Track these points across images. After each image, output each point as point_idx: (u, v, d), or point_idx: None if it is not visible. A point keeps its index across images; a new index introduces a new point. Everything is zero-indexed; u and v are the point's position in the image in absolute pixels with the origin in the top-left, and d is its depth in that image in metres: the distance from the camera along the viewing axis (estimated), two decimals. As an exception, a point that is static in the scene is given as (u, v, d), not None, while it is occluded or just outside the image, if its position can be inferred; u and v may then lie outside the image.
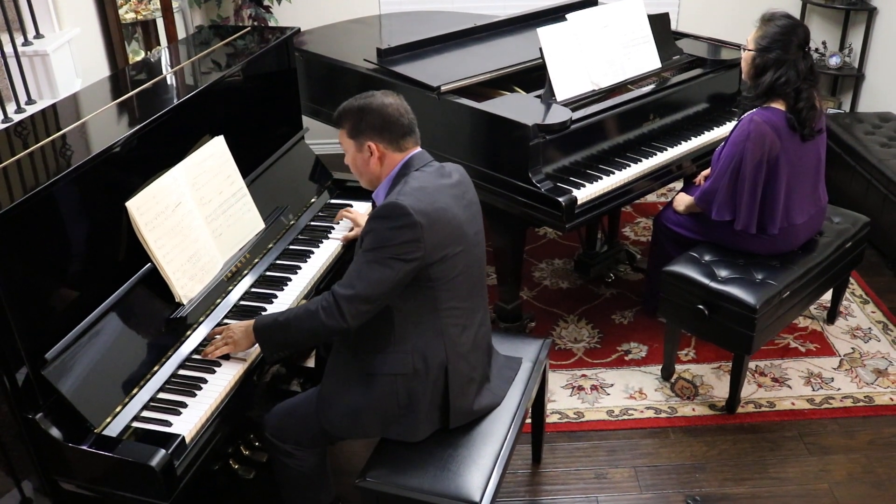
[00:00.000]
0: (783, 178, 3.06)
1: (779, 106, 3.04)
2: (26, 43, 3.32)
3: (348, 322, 2.21)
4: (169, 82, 2.88)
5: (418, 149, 2.35)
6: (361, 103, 2.31)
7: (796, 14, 5.26)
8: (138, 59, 4.25)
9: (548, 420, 3.14)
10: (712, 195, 3.18)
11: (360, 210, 3.16)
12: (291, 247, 2.94)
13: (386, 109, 2.29)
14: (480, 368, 2.46)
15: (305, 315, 2.27)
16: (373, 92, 2.34)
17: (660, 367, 3.49)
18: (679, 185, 4.01)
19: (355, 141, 2.32)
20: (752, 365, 3.51)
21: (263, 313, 2.53)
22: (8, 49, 3.16)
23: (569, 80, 3.37)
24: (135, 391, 2.21)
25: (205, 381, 2.30)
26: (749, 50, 3.08)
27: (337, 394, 2.37)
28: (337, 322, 2.21)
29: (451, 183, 2.30)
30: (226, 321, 2.54)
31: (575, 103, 3.35)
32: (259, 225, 2.84)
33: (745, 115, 3.08)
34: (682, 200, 3.41)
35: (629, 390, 3.41)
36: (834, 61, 5.26)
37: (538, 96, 3.37)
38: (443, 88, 3.33)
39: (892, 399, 3.34)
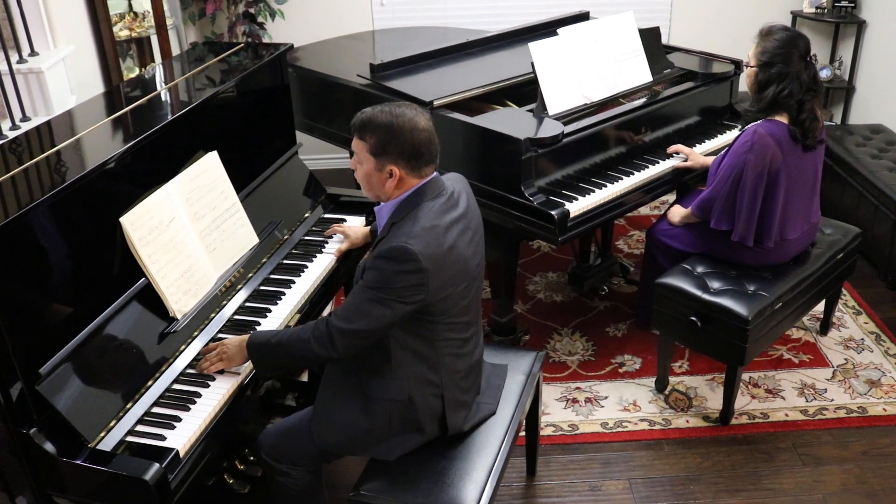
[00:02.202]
0: (781, 192, 3.07)
1: (781, 119, 3.05)
2: (21, 60, 3.35)
3: (339, 353, 2.21)
4: (163, 98, 2.90)
5: (435, 173, 2.27)
6: (391, 121, 2.17)
7: (786, 27, 5.31)
8: (133, 75, 4.27)
9: (542, 433, 3.15)
10: (711, 204, 3.19)
11: (353, 224, 3.17)
12: (285, 261, 2.95)
13: (419, 136, 2.17)
14: (474, 389, 2.47)
15: (297, 342, 2.26)
16: (403, 108, 2.20)
17: (654, 379, 3.50)
18: (671, 197, 4.03)
19: (377, 160, 2.20)
20: (745, 376, 3.52)
21: (259, 329, 2.53)
22: (3, 66, 3.18)
23: (561, 95, 3.39)
24: (129, 405, 2.21)
25: (199, 395, 2.30)
26: (751, 66, 3.10)
27: (331, 411, 2.38)
28: (327, 352, 2.22)
29: (459, 215, 2.24)
30: (220, 335, 2.55)
31: (567, 117, 3.37)
32: (253, 240, 2.85)
33: (749, 126, 3.09)
34: (677, 212, 3.43)
35: (623, 402, 3.41)
36: (825, 74, 5.30)
37: (530, 110, 3.39)
38: (435, 103, 3.35)
39: (885, 410, 3.35)
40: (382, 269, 2.13)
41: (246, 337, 2.38)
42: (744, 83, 3.24)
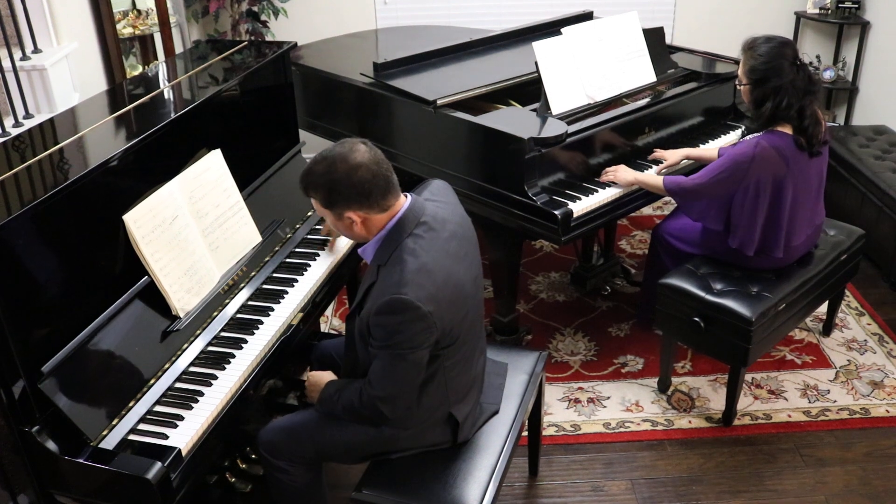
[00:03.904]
0: (787, 204, 3.05)
1: (785, 129, 3.00)
2: (24, 58, 3.34)
3: (391, 417, 2.23)
4: (166, 96, 2.89)
5: (405, 200, 2.20)
6: (325, 171, 2.11)
7: (790, 29, 5.30)
8: (136, 73, 4.27)
9: (544, 433, 3.14)
10: (692, 196, 3.17)
11: None
12: (288, 260, 2.94)
13: (356, 175, 2.09)
14: (478, 392, 2.47)
15: (352, 411, 2.28)
16: (336, 152, 2.13)
17: (656, 379, 3.50)
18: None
19: (332, 211, 2.18)
20: (748, 377, 3.52)
21: (334, 385, 2.39)
22: (6, 64, 3.18)
23: (564, 94, 3.39)
24: (131, 404, 2.21)
25: (201, 394, 2.30)
26: (744, 84, 3.05)
27: (338, 425, 2.37)
28: (381, 420, 2.25)
29: (447, 237, 2.20)
30: (223, 334, 2.54)
31: (570, 117, 3.37)
32: (256, 238, 2.85)
33: (751, 136, 3.04)
34: (646, 179, 3.32)
35: (626, 403, 3.41)
36: (828, 75, 5.29)
37: (534, 110, 3.39)
38: (439, 102, 3.35)
39: (888, 411, 3.35)
40: (386, 325, 2.09)
41: (328, 381, 2.40)
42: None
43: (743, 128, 3.71)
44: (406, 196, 2.23)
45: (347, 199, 2.13)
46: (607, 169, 3.35)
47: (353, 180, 2.10)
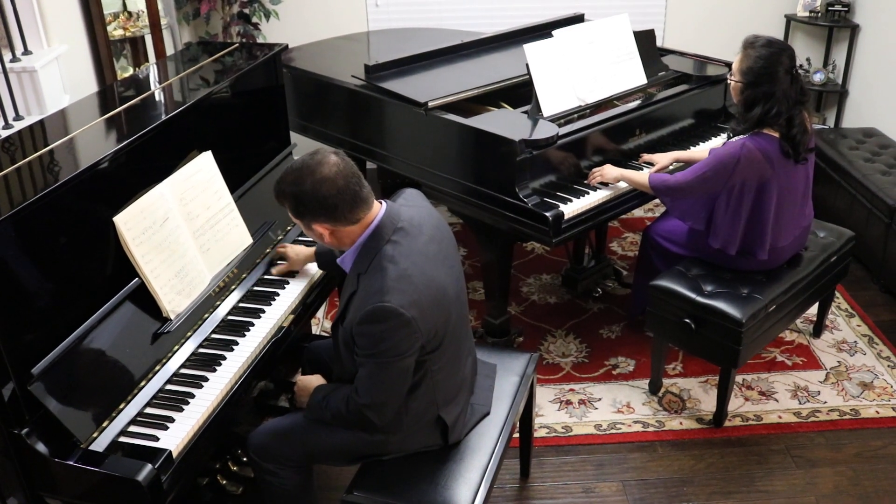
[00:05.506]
0: (772, 206, 3.06)
1: (772, 133, 3.00)
2: (14, 59, 3.33)
3: (379, 423, 2.23)
4: (157, 98, 2.89)
5: (379, 209, 2.19)
6: (294, 184, 2.12)
7: (780, 31, 5.32)
8: (126, 75, 4.26)
9: (536, 434, 3.15)
10: (676, 194, 3.18)
11: (298, 246, 2.98)
12: (279, 262, 2.94)
13: (322, 190, 2.09)
14: (467, 399, 2.47)
15: (340, 418, 2.28)
16: (305, 164, 2.13)
17: (647, 381, 3.50)
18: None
19: (301, 221, 2.20)
20: (738, 378, 3.52)
21: (322, 390, 2.39)
22: (-4, 65, 3.17)
23: (555, 96, 3.40)
24: (122, 406, 2.20)
25: (192, 395, 2.30)
26: (736, 81, 3.04)
27: (327, 429, 2.37)
28: (370, 426, 2.25)
29: (425, 241, 2.20)
30: (214, 336, 2.54)
31: (561, 119, 3.38)
32: (247, 240, 2.85)
33: (737, 138, 3.04)
34: (632, 176, 3.32)
35: (617, 404, 3.41)
36: (818, 77, 5.32)
37: (525, 112, 3.39)
38: (430, 104, 3.35)
39: (877, 412, 3.36)
40: (370, 334, 2.09)
41: (315, 392, 2.38)
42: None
43: (726, 136, 3.72)
44: (381, 203, 2.22)
45: (314, 213, 2.14)
46: (594, 170, 3.37)
47: (318, 195, 2.10)
